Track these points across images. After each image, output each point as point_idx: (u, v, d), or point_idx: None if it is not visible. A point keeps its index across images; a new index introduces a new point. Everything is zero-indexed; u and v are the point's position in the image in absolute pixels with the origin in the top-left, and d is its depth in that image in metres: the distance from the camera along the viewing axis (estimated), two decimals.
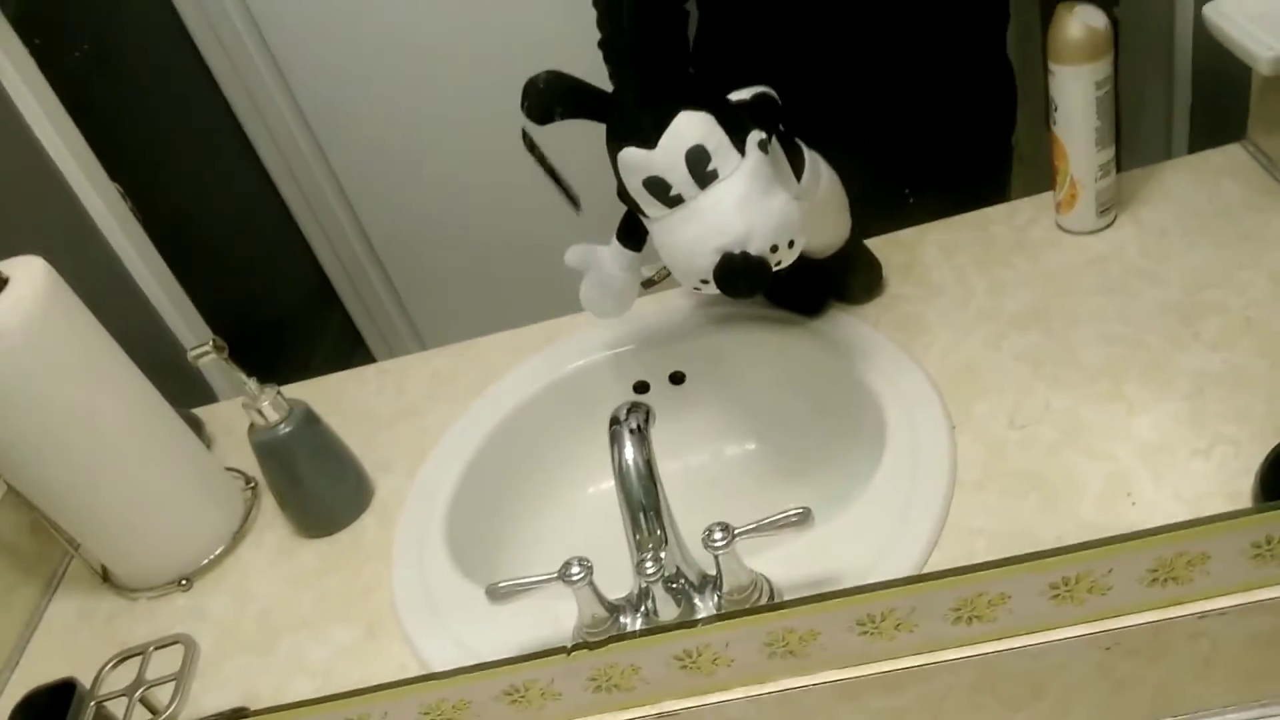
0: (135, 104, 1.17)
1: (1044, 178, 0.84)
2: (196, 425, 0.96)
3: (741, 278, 0.66)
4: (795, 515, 0.62)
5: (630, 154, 0.66)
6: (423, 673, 0.69)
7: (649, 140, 0.65)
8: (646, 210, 0.68)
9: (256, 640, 0.78)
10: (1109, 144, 0.78)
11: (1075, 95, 0.76)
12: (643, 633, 0.60)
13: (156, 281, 1.07)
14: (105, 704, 0.68)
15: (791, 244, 0.67)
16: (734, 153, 0.65)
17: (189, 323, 1.11)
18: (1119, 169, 0.81)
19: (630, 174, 0.67)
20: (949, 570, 0.55)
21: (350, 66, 1.29)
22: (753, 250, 0.65)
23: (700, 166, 0.65)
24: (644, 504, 0.63)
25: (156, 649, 0.71)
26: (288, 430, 0.81)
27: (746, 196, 0.65)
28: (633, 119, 0.66)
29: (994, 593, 0.55)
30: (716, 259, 0.65)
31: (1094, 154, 0.78)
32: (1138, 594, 0.56)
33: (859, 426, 0.79)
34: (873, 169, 0.85)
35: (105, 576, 0.86)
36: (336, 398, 0.93)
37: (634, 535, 0.64)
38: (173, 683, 0.67)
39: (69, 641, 0.83)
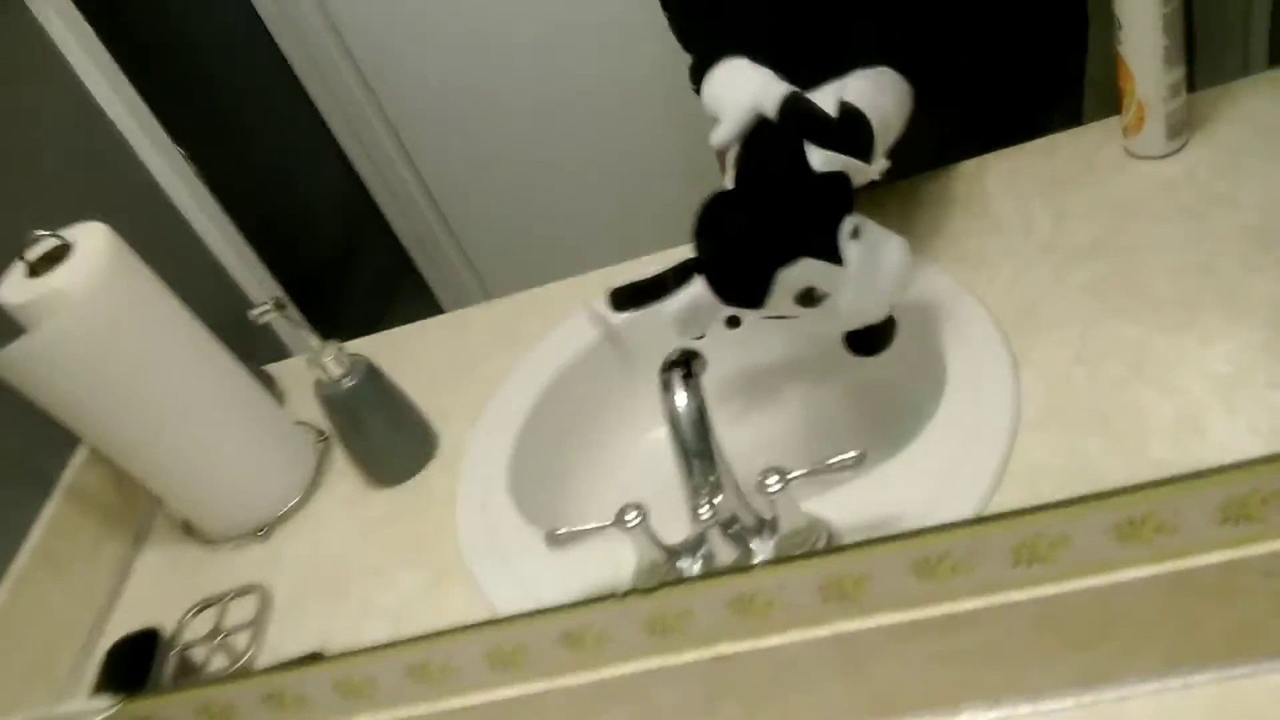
0: (194, 66, 1.19)
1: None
2: (268, 381, 0.98)
3: (878, 348, 0.69)
4: (850, 459, 0.61)
5: (738, 311, 0.65)
6: (488, 616, 0.71)
7: (752, 305, 0.64)
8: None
9: (330, 586, 0.80)
10: (1178, 62, 0.74)
11: (1140, 11, 0.72)
12: (695, 578, 0.60)
13: (225, 241, 1.09)
14: (187, 651, 0.71)
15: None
16: (834, 269, 0.63)
17: (260, 280, 1.13)
18: (1191, 89, 0.77)
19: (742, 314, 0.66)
20: (1006, 513, 0.54)
21: (412, 22, 1.29)
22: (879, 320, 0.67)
23: (810, 299, 0.64)
24: (696, 450, 0.63)
25: (233, 598, 0.73)
26: (351, 384, 0.82)
27: (862, 297, 0.65)
28: (728, 290, 0.64)
29: (1054, 534, 0.54)
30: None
31: (1162, 73, 0.74)
32: (1209, 533, 0.54)
33: (920, 365, 0.77)
34: (938, 100, 0.82)
35: (188, 529, 0.90)
36: (401, 351, 0.95)
37: (688, 481, 0.64)
38: (249, 630, 0.70)
39: (157, 591, 0.87)
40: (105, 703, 0.68)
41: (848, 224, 0.63)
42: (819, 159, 0.62)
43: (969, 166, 0.86)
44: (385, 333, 1.01)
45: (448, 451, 0.87)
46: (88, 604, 0.84)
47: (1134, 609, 0.56)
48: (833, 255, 0.62)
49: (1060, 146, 0.84)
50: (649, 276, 0.66)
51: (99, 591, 0.86)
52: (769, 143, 0.64)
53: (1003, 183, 0.84)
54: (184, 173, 1.06)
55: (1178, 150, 0.79)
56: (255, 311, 0.80)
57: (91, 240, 0.75)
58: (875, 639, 0.59)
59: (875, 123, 0.66)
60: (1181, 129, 0.78)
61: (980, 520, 0.55)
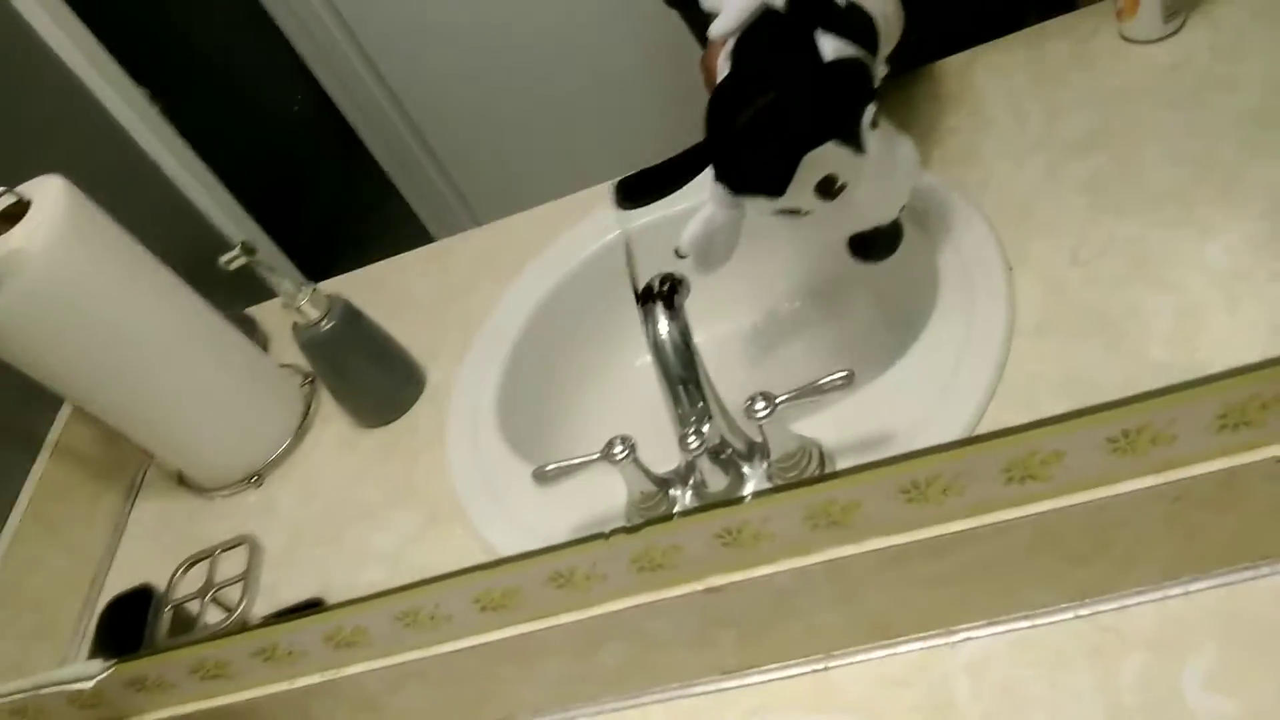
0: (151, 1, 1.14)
1: None
2: (250, 326, 0.96)
3: (884, 253, 0.68)
4: (839, 379, 0.59)
5: (756, 202, 0.62)
6: (484, 555, 0.70)
7: (774, 191, 0.60)
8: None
9: (326, 532, 0.80)
10: None
11: None
12: (679, 514, 0.59)
13: (199, 184, 1.07)
14: (181, 605, 0.70)
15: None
16: (856, 158, 0.60)
17: (237, 222, 1.11)
18: None
19: (754, 206, 0.62)
20: (995, 433, 0.52)
21: None
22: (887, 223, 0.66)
23: (829, 189, 0.60)
24: (682, 377, 0.62)
25: (222, 551, 0.73)
26: (330, 326, 0.81)
27: (878, 191, 0.64)
28: (749, 175, 0.60)
29: (1046, 451, 0.52)
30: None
31: None
32: (1206, 441, 0.52)
33: (910, 274, 0.75)
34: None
35: (181, 479, 0.89)
36: (382, 287, 0.93)
37: (675, 410, 0.63)
38: (240, 583, 0.70)
39: (155, 543, 0.87)
40: (99, 666, 0.68)
41: (869, 112, 0.60)
42: (829, 48, 0.59)
43: (956, 62, 0.82)
44: (366, 269, 0.99)
45: (436, 388, 0.86)
46: (85, 562, 0.84)
47: (1131, 521, 0.55)
48: (856, 142, 0.59)
49: (1051, 35, 0.80)
50: (657, 164, 0.63)
51: (96, 549, 0.86)
52: (777, 31, 0.60)
53: (992, 77, 0.80)
54: (149, 116, 1.03)
55: (1174, 32, 0.74)
56: (225, 258, 0.77)
57: (49, 194, 0.73)
58: (868, 564, 0.57)
59: (879, 21, 0.63)
60: (1179, 9, 0.73)
61: (968, 441, 0.54)
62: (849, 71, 0.60)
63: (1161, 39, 0.74)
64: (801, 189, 0.60)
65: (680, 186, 0.62)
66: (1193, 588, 0.58)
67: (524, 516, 0.72)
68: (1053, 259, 0.68)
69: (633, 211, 0.65)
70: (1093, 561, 0.57)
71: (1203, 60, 0.72)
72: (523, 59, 1.30)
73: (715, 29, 0.62)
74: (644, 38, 1.26)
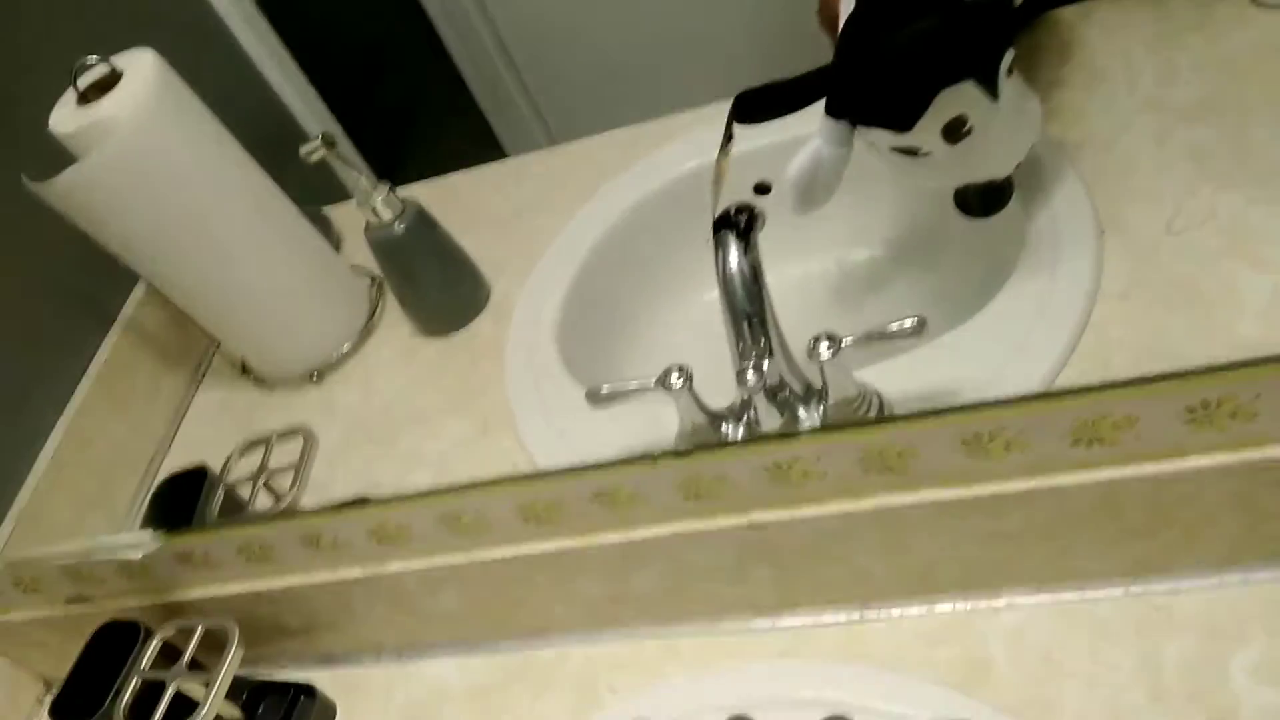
0: None
1: None
2: (325, 223, 0.97)
3: (992, 208, 0.66)
4: (910, 326, 0.57)
5: (877, 133, 0.59)
6: (531, 469, 0.70)
7: (902, 124, 0.58)
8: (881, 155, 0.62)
9: (380, 433, 0.80)
10: None
11: None
12: (731, 444, 0.58)
13: (284, 77, 1.07)
14: (233, 488, 0.72)
15: None
16: (989, 103, 0.57)
17: (318, 118, 1.11)
18: None
19: (873, 140, 0.61)
20: (1063, 390, 0.50)
21: None
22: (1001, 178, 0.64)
23: (956, 131, 0.58)
24: (748, 312, 0.61)
25: (279, 439, 0.74)
26: (401, 228, 0.81)
27: (1002, 142, 0.61)
28: (882, 104, 0.58)
29: (1119, 414, 0.50)
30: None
31: None
32: None
33: (996, 229, 0.72)
34: None
35: (245, 369, 0.90)
36: (455, 197, 0.92)
37: (736, 344, 0.62)
38: (292, 471, 0.70)
39: (213, 428, 0.88)
40: (149, 537, 0.69)
41: (1008, 57, 0.58)
42: None
43: (1068, 14, 0.78)
44: (442, 178, 0.98)
45: (500, 302, 0.85)
46: (146, 438, 0.86)
47: (1198, 498, 0.53)
48: (992, 86, 0.57)
49: None
50: (782, 81, 0.62)
51: (157, 426, 0.87)
52: None
53: (1106, 33, 0.76)
54: (243, 4, 1.03)
55: None
56: (305, 148, 0.78)
57: (141, 67, 0.73)
58: (919, 515, 0.56)
59: None
60: None
61: (1037, 396, 0.52)
62: (997, 10, 0.58)
63: None
64: (929, 127, 0.58)
65: (802, 108, 0.61)
66: (1254, 576, 0.56)
67: (575, 436, 0.72)
68: (1147, 225, 0.65)
69: (744, 128, 0.64)
70: (1152, 537, 0.55)
71: None
72: None
73: None
74: None
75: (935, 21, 0.55)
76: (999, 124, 0.60)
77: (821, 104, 0.61)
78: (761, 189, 0.84)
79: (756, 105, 0.62)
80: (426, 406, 0.81)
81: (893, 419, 0.55)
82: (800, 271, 0.86)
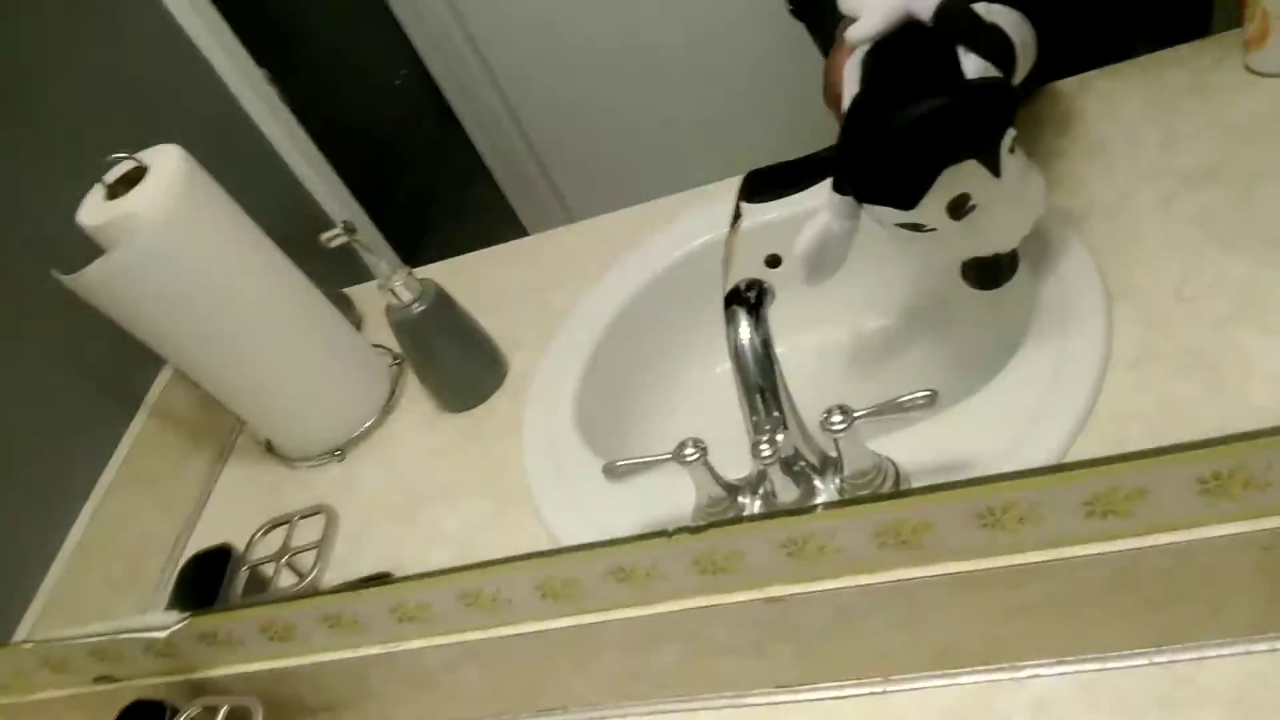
0: None
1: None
2: (346, 304, 0.99)
3: (999, 281, 0.67)
4: (921, 398, 0.58)
5: (882, 212, 0.61)
6: (551, 546, 0.71)
7: (906, 203, 0.59)
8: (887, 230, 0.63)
9: (400, 509, 0.81)
10: None
11: None
12: (744, 519, 0.59)
13: (307, 164, 1.10)
14: (257, 568, 0.72)
15: None
16: (992, 180, 0.59)
17: (342, 203, 1.14)
18: None
19: (878, 216, 0.62)
20: (1075, 463, 0.50)
21: None
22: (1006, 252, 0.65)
23: (960, 208, 0.60)
24: (760, 385, 0.61)
25: (301, 518, 0.75)
26: (420, 309, 0.82)
27: (1006, 218, 0.62)
28: (886, 183, 0.60)
29: (1130, 486, 0.50)
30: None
31: None
32: None
33: (1005, 300, 0.73)
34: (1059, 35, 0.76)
35: (269, 447, 0.92)
36: (473, 276, 0.94)
37: (750, 417, 0.62)
38: (314, 550, 0.71)
39: (238, 507, 0.89)
40: (175, 617, 0.70)
41: (1009, 135, 0.59)
42: (971, 66, 0.59)
43: (1067, 85, 0.80)
44: (460, 258, 1.00)
45: (517, 378, 0.87)
46: (173, 517, 0.87)
47: (1217, 568, 0.52)
48: (994, 164, 0.58)
49: (1172, 63, 0.77)
50: (791, 161, 0.63)
51: (183, 506, 0.89)
52: (919, 43, 0.60)
53: (1106, 102, 0.78)
54: (267, 95, 1.07)
55: None
56: (326, 235, 0.80)
57: (167, 162, 0.76)
58: (936, 589, 0.56)
59: (1018, 48, 0.62)
60: None
61: (1049, 470, 0.52)
62: (999, 90, 0.59)
63: None
64: (933, 205, 0.59)
65: (809, 186, 0.62)
66: None
67: (593, 511, 0.72)
68: (1156, 292, 0.65)
69: (752, 206, 0.65)
70: (1173, 607, 0.55)
71: None
72: (630, 60, 1.31)
73: (854, 33, 0.61)
74: (755, 47, 1.26)
75: (937, 102, 0.57)
76: (1002, 200, 0.61)
77: (828, 180, 0.62)
78: (772, 263, 0.85)
79: (765, 184, 0.63)
80: (446, 483, 0.81)
81: (905, 493, 0.55)
82: (814, 341, 0.87)
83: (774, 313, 0.63)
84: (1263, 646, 0.56)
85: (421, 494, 0.82)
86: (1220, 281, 0.64)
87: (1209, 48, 0.76)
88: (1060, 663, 0.59)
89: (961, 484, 0.52)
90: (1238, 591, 0.54)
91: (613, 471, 0.64)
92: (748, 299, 0.63)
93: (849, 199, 0.63)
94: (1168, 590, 0.54)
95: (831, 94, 0.71)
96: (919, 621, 0.59)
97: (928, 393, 0.58)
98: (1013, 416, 0.64)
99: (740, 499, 0.65)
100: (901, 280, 0.85)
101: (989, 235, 0.64)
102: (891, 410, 0.58)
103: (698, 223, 0.87)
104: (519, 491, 0.77)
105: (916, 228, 0.61)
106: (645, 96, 1.33)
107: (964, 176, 0.58)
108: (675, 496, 0.66)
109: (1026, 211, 0.65)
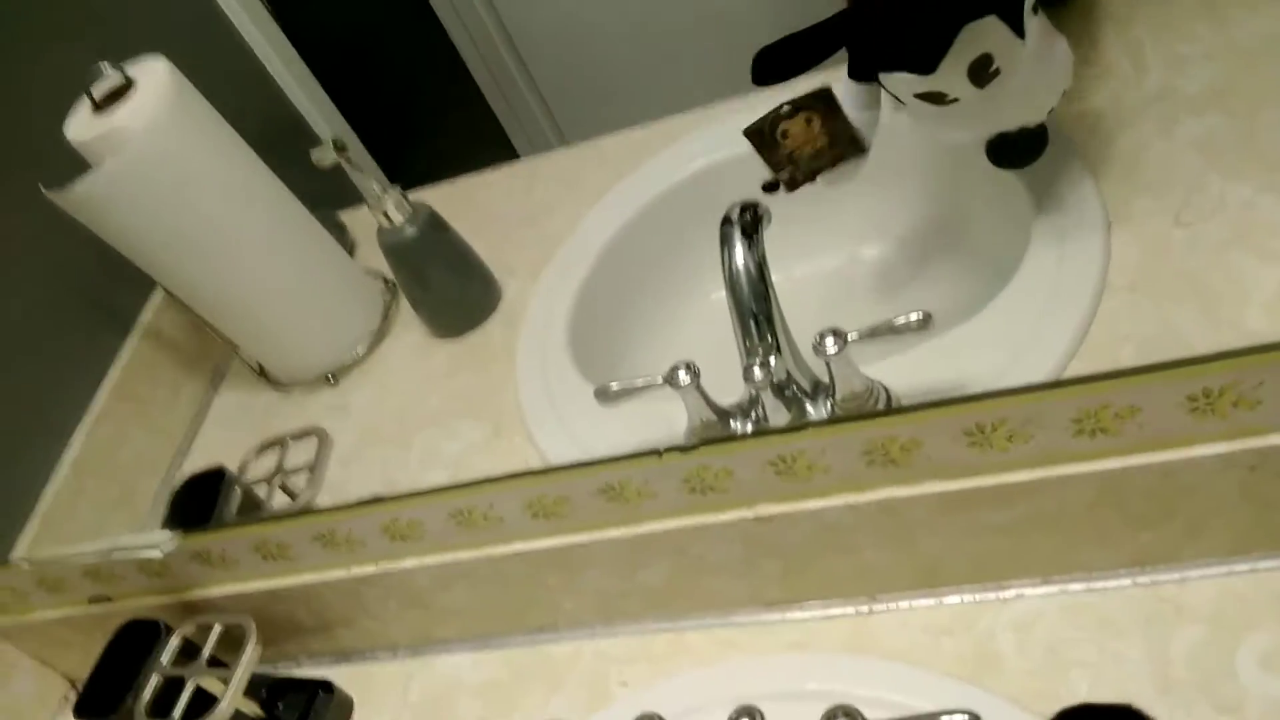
0: None
1: None
2: (340, 228, 0.98)
3: (1028, 158, 0.65)
4: (915, 320, 0.58)
5: (900, 78, 0.58)
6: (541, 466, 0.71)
7: (926, 65, 0.56)
8: (907, 105, 0.61)
9: (393, 434, 0.81)
10: None
11: None
12: (734, 438, 0.59)
13: (295, 81, 1.08)
14: (251, 489, 0.73)
15: None
16: (1015, 41, 0.56)
17: (330, 121, 1.11)
18: None
19: (897, 87, 0.60)
20: (1067, 380, 0.50)
21: None
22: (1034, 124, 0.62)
23: (982, 73, 0.57)
24: (753, 310, 0.61)
25: (294, 439, 0.75)
26: (412, 232, 0.81)
27: (1032, 85, 0.60)
28: (903, 44, 0.57)
29: (1121, 404, 0.50)
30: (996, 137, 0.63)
31: None
32: None
33: (1003, 222, 0.72)
34: None
35: (261, 372, 0.92)
36: (466, 200, 0.93)
37: (743, 341, 0.62)
38: (307, 471, 0.71)
39: (231, 430, 0.89)
40: (168, 536, 0.70)
41: None
42: None
43: (1076, 5, 0.78)
44: (453, 181, 0.99)
45: (511, 303, 0.86)
46: (166, 441, 0.88)
47: (1202, 488, 0.52)
48: (1017, 23, 0.56)
49: None
50: (798, 32, 0.61)
51: (176, 429, 0.89)
52: None
53: (1114, 24, 0.76)
54: (253, 7, 1.04)
55: None
56: (317, 153, 0.79)
57: (154, 76, 0.75)
58: (923, 508, 0.56)
59: None
60: None
61: (1038, 387, 0.52)
62: None
63: None
64: (953, 68, 0.57)
65: (821, 60, 0.60)
66: (1261, 565, 0.56)
67: (585, 435, 0.72)
68: (1155, 218, 0.65)
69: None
70: (1157, 527, 0.55)
71: None
72: None
73: None
74: None
75: None
76: (1027, 65, 0.58)
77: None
78: (769, 187, 0.84)
79: (775, 62, 0.61)
80: (439, 407, 0.81)
81: (894, 410, 0.55)
82: (810, 269, 0.86)
83: (771, 238, 0.63)
84: (1243, 567, 0.56)
85: (415, 418, 0.82)
86: (1220, 207, 0.63)
87: None
88: (1045, 583, 0.60)
89: (950, 401, 0.52)
90: (1221, 512, 0.54)
91: (605, 395, 0.64)
92: (743, 222, 0.62)
93: (866, 86, 0.62)
94: (1153, 510, 0.54)
95: None
96: (905, 541, 0.59)
97: (921, 314, 0.57)
98: (1007, 340, 0.63)
99: (732, 423, 0.65)
100: (900, 205, 0.84)
101: (1014, 106, 0.61)
102: (885, 332, 0.58)
103: (694, 146, 0.86)
104: (513, 416, 0.77)
105: (938, 99, 0.59)
106: (642, 5, 1.30)
107: (985, 36, 0.55)
108: (668, 422, 0.66)
109: (1053, 80, 0.62)
